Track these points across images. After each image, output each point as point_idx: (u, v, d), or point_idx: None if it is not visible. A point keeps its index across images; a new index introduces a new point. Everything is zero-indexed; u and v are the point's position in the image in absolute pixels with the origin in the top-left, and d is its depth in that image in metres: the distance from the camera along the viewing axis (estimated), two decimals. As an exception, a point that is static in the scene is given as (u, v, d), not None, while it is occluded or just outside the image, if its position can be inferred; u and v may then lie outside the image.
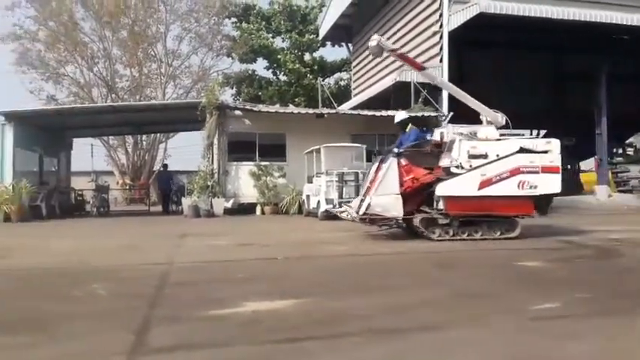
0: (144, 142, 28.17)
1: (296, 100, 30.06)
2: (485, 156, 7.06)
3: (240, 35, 29.55)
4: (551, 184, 7.16)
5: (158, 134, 27.04)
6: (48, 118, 16.57)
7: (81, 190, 17.65)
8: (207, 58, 29.35)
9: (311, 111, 16.31)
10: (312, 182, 13.26)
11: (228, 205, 14.37)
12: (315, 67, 30.91)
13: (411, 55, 17.92)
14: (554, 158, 7.18)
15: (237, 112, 15.44)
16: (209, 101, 14.68)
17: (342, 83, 32.11)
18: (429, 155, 7.56)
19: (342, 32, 25.20)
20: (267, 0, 30.96)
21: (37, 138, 15.21)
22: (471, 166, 7.04)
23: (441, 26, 15.88)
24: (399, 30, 18.90)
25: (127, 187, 26.80)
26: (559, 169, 7.22)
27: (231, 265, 5.51)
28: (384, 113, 15.09)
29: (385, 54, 8.31)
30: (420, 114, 14.36)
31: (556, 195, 7.59)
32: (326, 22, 25.43)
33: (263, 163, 15.14)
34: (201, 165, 15.13)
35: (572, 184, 19.51)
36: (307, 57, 31.47)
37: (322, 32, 26.44)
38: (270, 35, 30.88)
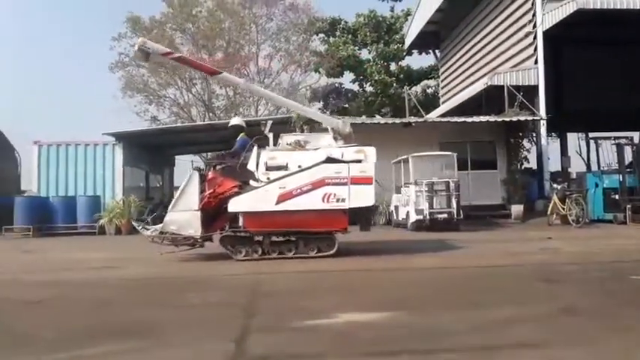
0: (239, 158, 29.51)
1: (382, 110, 29.91)
2: (285, 167, 6.46)
3: (327, 50, 30.09)
4: (363, 196, 6.44)
5: (252, 149, 28.20)
6: (153, 137, 17.85)
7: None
8: (296, 74, 30.18)
9: (397, 120, 16.16)
10: (400, 193, 13.09)
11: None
12: (401, 76, 30.63)
13: (502, 57, 17.30)
14: (367, 168, 6.46)
15: (325, 125, 15.67)
16: (298, 116, 15.06)
17: (430, 91, 31.49)
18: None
19: (428, 39, 24.81)
20: (354, 13, 31.27)
21: (143, 156, 16.38)
22: (268, 178, 6.44)
23: (534, 26, 15.11)
24: (488, 33, 18.25)
25: (223, 201, 28.14)
26: (371, 180, 6.46)
27: (322, 275, 5.57)
28: (475, 119, 14.57)
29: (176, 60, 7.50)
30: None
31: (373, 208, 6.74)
32: (412, 30, 25.19)
33: (351, 175, 15.18)
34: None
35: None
36: (393, 66, 31.29)
37: (408, 41, 26.23)
38: (357, 47, 31.13)
